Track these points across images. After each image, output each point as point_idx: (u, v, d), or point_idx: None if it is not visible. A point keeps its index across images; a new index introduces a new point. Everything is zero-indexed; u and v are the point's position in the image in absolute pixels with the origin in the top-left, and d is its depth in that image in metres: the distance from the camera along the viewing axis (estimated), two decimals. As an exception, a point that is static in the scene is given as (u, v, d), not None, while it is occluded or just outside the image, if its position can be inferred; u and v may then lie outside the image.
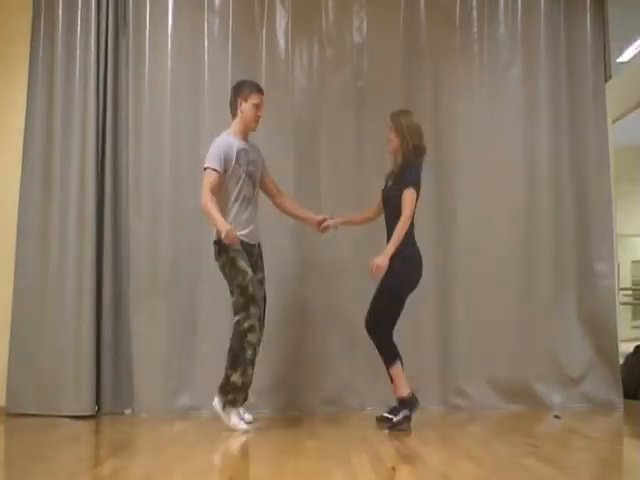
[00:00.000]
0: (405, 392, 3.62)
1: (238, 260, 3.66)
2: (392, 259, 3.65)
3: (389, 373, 3.66)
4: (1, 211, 4.40)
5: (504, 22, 4.57)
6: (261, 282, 3.84)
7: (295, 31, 4.50)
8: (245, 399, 3.75)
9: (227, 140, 3.76)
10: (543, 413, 4.18)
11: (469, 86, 4.53)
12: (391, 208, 3.71)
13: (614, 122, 4.99)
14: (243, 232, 3.73)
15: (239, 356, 3.61)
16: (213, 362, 4.28)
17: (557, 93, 4.53)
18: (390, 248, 3.61)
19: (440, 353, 4.38)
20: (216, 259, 3.76)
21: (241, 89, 3.81)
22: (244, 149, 3.78)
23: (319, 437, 3.52)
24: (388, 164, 4.02)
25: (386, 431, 3.57)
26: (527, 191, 4.48)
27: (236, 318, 3.65)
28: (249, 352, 3.61)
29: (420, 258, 3.73)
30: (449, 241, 4.45)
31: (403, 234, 3.62)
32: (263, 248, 3.91)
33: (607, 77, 4.59)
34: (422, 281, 4.35)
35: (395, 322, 3.71)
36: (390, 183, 3.78)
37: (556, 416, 4.02)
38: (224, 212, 3.69)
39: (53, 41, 4.40)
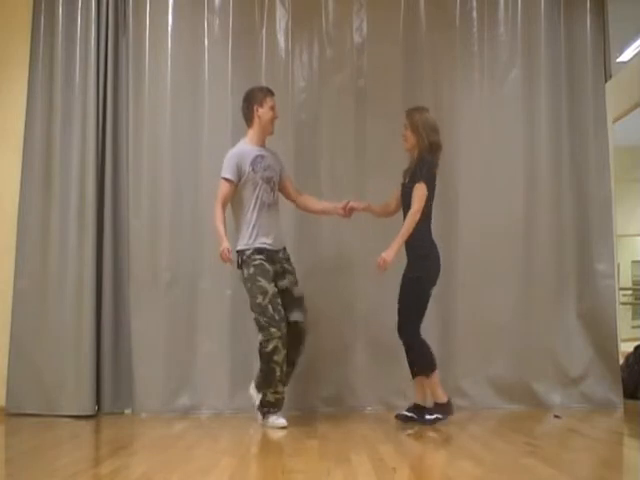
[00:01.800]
0: (444, 398, 3.70)
1: (259, 278, 3.72)
2: (409, 260, 3.70)
3: (420, 380, 3.75)
4: (1, 211, 4.40)
5: (504, 22, 4.56)
6: (293, 284, 3.90)
7: (295, 31, 4.51)
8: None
9: (241, 149, 3.85)
10: (543, 413, 4.17)
11: (469, 86, 4.53)
12: (407, 205, 3.73)
13: (614, 122, 4.99)
14: (266, 239, 3.80)
15: (268, 377, 3.70)
16: (213, 362, 4.30)
17: (557, 93, 4.53)
18: (397, 242, 3.64)
19: (440, 353, 4.35)
20: (239, 268, 3.82)
21: (254, 96, 3.90)
22: (260, 155, 3.85)
23: (319, 437, 3.52)
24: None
25: (410, 431, 3.64)
26: (527, 191, 4.47)
27: (259, 338, 3.70)
28: (277, 371, 3.68)
29: (437, 256, 3.75)
30: (449, 241, 4.44)
31: (411, 227, 3.66)
32: None
33: (607, 77, 4.59)
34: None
35: (421, 323, 3.75)
36: (407, 180, 3.80)
37: (556, 416, 4.02)
38: (243, 220, 3.79)
39: (53, 41, 4.40)
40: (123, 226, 4.40)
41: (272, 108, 3.89)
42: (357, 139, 4.48)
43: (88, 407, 4.17)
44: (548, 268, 4.43)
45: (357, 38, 4.53)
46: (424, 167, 3.72)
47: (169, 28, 4.45)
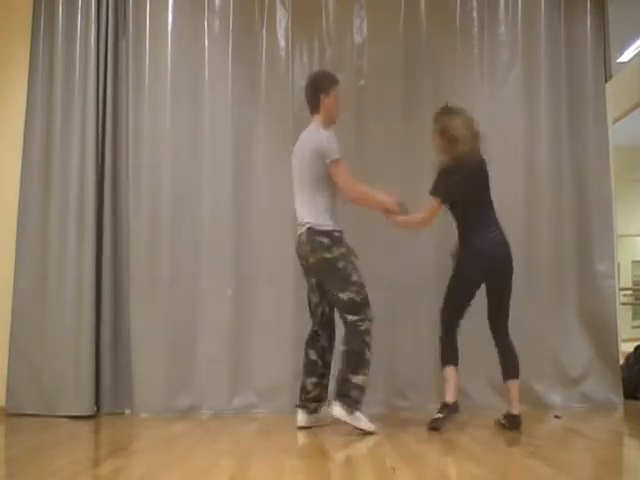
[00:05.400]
0: (449, 399, 3.66)
1: (352, 258, 3.65)
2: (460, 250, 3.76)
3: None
4: (1, 211, 4.40)
5: (504, 22, 4.56)
6: None
7: (295, 31, 4.51)
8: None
9: (330, 133, 3.72)
10: (543, 413, 4.17)
11: (469, 86, 4.53)
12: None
13: (614, 122, 4.99)
14: (339, 224, 3.71)
15: (361, 357, 3.57)
16: (213, 362, 4.30)
17: (557, 93, 4.53)
18: (405, 220, 3.76)
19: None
20: (316, 251, 3.61)
21: (322, 83, 3.77)
22: None
23: (319, 437, 3.52)
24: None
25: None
26: (527, 191, 4.47)
27: (352, 318, 3.58)
28: (367, 354, 3.59)
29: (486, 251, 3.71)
30: (449, 241, 4.43)
31: (407, 226, 3.83)
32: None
33: (607, 77, 4.59)
34: (422, 281, 4.36)
35: (452, 317, 3.82)
36: None
37: (556, 416, 4.02)
38: (328, 201, 3.66)
39: (53, 41, 4.40)
40: (123, 226, 4.40)
41: (336, 97, 3.76)
42: (357, 139, 4.47)
43: (88, 407, 4.17)
44: (548, 268, 4.43)
45: (357, 38, 4.53)
46: (437, 178, 3.68)
47: (169, 28, 4.46)
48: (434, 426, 3.58)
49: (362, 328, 3.59)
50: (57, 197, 4.32)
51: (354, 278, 3.61)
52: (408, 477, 2.66)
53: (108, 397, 4.29)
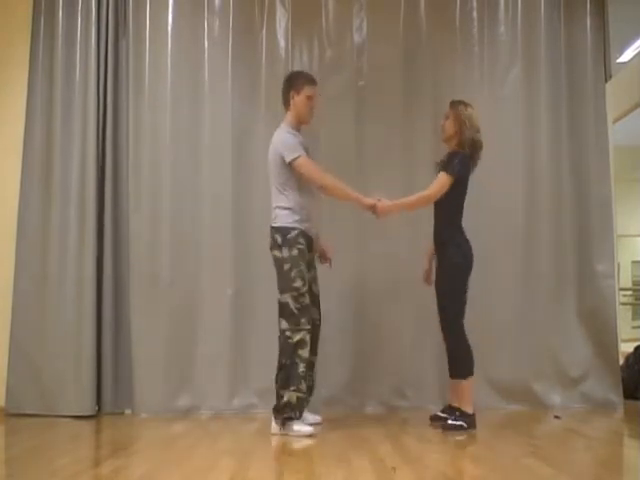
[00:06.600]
0: (469, 410, 3.64)
1: (300, 262, 3.55)
2: (446, 247, 3.74)
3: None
4: (1, 211, 4.40)
5: (504, 22, 4.56)
6: (315, 279, 3.78)
7: (295, 31, 4.51)
8: (307, 403, 3.69)
9: (293, 132, 3.70)
10: (543, 413, 4.17)
11: (469, 86, 4.53)
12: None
13: (614, 122, 4.99)
14: (308, 225, 3.67)
15: (291, 373, 3.48)
16: (213, 362, 4.30)
17: (557, 93, 4.53)
18: (397, 203, 3.69)
19: (440, 353, 4.36)
20: (272, 248, 3.62)
21: (293, 81, 3.75)
22: (305, 142, 3.74)
23: (319, 437, 3.52)
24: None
25: (439, 429, 3.63)
26: (527, 191, 4.47)
27: (283, 326, 3.51)
28: (301, 367, 3.49)
29: (470, 249, 3.77)
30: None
31: (415, 204, 3.74)
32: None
33: (607, 77, 4.59)
34: (422, 281, 4.36)
35: (462, 318, 3.76)
36: (438, 171, 3.77)
37: (556, 416, 4.02)
38: (291, 199, 3.61)
39: (53, 42, 4.39)
40: (123, 226, 4.40)
41: (309, 98, 3.70)
42: (357, 139, 4.47)
43: (88, 407, 4.17)
44: (548, 268, 4.43)
45: (357, 38, 4.53)
46: (455, 159, 3.69)
47: (169, 28, 4.45)
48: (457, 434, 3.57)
49: (293, 340, 3.48)
50: (57, 197, 4.32)
51: (296, 284, 3.51)
52: (408, 477, 2.66)
53: (109, 397, 4.29)
